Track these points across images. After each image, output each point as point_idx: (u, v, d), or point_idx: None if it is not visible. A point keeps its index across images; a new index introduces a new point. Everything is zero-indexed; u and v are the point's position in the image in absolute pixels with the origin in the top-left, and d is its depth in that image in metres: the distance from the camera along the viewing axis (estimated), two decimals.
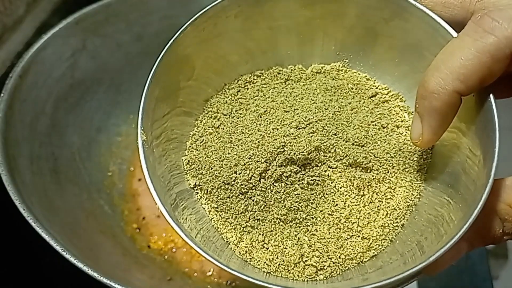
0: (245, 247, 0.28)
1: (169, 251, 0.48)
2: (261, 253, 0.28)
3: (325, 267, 0.28)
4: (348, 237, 0.28)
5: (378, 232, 0.29)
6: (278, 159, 0.28)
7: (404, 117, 0.32)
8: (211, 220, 0.29)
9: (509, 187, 0.25)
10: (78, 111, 0.51)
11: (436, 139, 0.27)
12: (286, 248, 0.28)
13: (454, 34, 0.27)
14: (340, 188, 0.29)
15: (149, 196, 0.59)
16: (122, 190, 0.52)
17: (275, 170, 0.28)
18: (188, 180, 0.30)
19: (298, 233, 0.28)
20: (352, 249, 0.28)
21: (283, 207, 0.28)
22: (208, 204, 0.29)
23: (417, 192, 0.30)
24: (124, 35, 0.52)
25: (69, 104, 0.49)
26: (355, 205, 0.29)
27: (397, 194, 0.29)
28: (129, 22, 0.52)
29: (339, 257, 0.28)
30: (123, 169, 0.53)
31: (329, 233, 0.28)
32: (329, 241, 0.28)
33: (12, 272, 0.46)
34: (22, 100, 0.44)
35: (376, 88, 0.33)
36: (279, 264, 0.28)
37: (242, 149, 0.29)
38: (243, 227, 0.29)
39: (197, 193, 0.30)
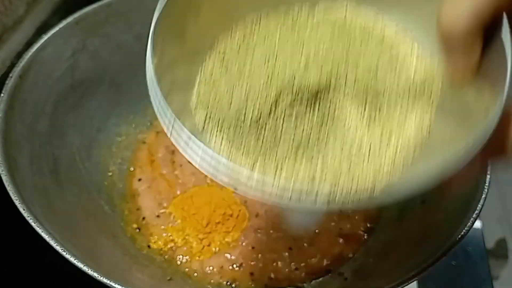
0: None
1: (169, 251, 0.48)
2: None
3: (336, 197, 0.28)
4: (360, 165, 0.28)
5: (390, 159, 0.28)
6: (289, 88, 0.28)
7: (414, 47, 0.31)
8: (222, 152, 0.29)
9: None
10: (78, 111, 0.50)
11: (470, 73, 0.27)
12: (297, 177, 0.28)
13: None
14: (351, 115, 0.29)
15: (149, 196, 0.59)
16: (122, 190, 0.52)
17: (286, 99, 0.28)
18: (198, 114, 0.30)
19: (309, 162, 0.28)
20: (364, 178, 0.28)
21: (294, 136, 0.28)
22: (219, 136, 0.29)
23: (429, 120, 0.29)
24: (124, 35, 0.52)
25: (69, 104, 0.49)
26: (366, 132, 0.29)
27: (409, 122, 0.29)
28: (129, 22, 0.52)
29: (351, 188, 0.28)
30: (123, 169, 0.53)
31: (341, 159, 0.28)
32: (342, 166, 0.28)
33: (12, 272, 0.46)
34: (22, 100, 0.44)
35: (385, 26, 0.33)
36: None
37: (252, 80, 0.29)
38: (255, 157, 0.28)
39: (208, 125, 0.30)
